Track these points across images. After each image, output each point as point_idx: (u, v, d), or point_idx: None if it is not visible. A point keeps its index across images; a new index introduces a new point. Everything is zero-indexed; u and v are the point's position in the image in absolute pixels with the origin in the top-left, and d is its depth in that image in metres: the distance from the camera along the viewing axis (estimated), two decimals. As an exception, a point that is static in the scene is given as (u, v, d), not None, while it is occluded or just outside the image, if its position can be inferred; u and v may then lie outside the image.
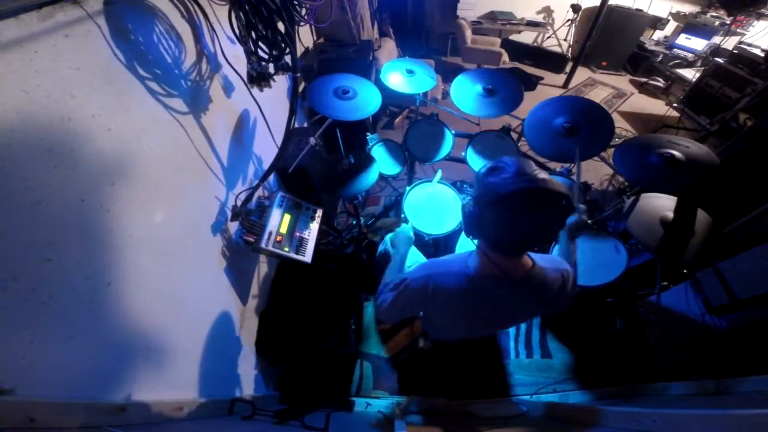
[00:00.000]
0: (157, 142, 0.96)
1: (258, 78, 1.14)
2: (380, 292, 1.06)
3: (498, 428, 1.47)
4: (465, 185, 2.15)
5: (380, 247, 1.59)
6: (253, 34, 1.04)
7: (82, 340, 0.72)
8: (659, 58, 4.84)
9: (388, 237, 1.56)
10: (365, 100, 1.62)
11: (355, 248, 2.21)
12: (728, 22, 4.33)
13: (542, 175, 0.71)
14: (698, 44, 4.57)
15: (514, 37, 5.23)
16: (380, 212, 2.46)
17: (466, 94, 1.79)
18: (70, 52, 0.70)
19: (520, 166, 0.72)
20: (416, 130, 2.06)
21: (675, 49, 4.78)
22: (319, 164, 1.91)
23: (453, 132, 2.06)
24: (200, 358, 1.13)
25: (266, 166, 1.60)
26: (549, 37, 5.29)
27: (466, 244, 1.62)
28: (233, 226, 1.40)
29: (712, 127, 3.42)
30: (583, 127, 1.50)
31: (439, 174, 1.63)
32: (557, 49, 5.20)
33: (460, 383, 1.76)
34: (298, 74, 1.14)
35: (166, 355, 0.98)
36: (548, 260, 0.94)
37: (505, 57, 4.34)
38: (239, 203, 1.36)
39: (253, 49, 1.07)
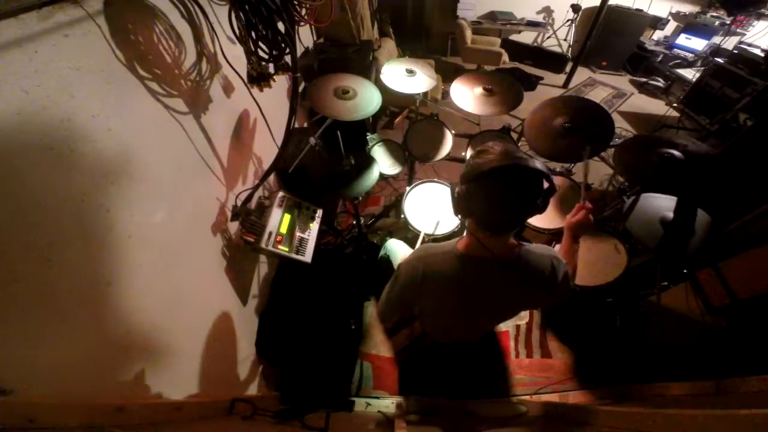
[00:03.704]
0: (157, 142, 0.96)
1: (258, 78, 1.14)
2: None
3: (498, 428, 1.46)
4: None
5: (381, 252, 1.59)
6: (253, 34, 1.03)
7: (82, 340, 0.72)
8: (659, 58, 4.84)
9: (388, 242, 1.56)
10: (365, 100, 1.62)
11: (355, 248, 2.21)
12: (728, 22, 4.33)
13: (524, 155, 0.77)
14: (698, 44, 4.57)
15: (514, 37, 5.23)
16: (380, 212, 2.46)
17: (466, 93, 1.79)
18: (70, 52, 0.70)
19: (504, 148, 0.78)
20: (416, 130, 2.06)
21: (675, 49, 4.78)
22: (319, 164, 1.91)
23: (453, 132, 2.06)
24: (200, 358, 1.13)
25: (266, 166, 1.60)
26: (549, 37, 5.29)
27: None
28: (233, 226, 1.40)
29: (712, 127, 3.42)
30: (583, 127, 1.50)
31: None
32: (557, 49, 5.19)
33: (460, 383, 1.76)
34: (298, 74, 1.14)
35: (166, 355, 0.98)
36: (537, 246, 0.97)
37: (505, 57, 4.34)
38: (239, 203, 1.36)
39: (253, 49, 1.07)
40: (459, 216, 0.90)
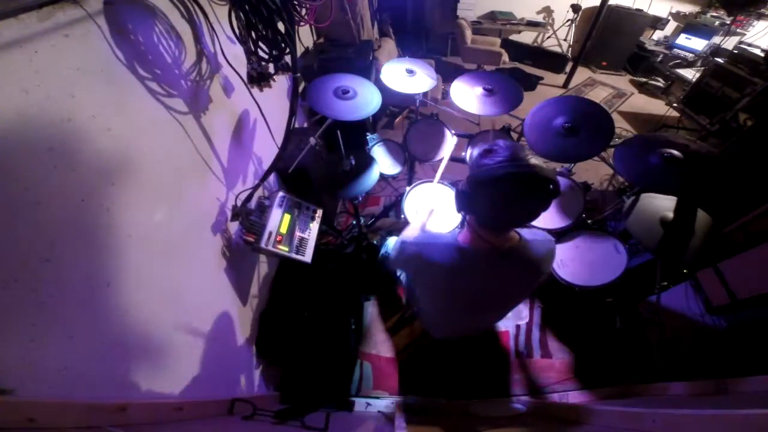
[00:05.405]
0: (157, 142, 0.96)
1: (258, 78, 1.14)
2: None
3: (498, 428, 1.46)
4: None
5: (382, 250, 1.59)
6: (253, 34, 1.03)
7: (82, 340, 0.72)
8: (659, 58, 4.83)
9: (390, 241, 1.56)
10: (365, 100, 1.62)
11: (355, 248, 2.21)
12: (728, 22, 4.32)
13: (534, 160, 0.74)
14: (698, 44, 4.57)
15: (514, 37, 5.23)
16: (380, 212, 2.46)
17: (466, 93, 1.79)
18: (70, 52, 0.70)
19: (513, 151, 0.75)
20: (416, 130, 2.06)
21: (675, 49, 4.78)
22: (319, 164, 1.91)
23: (453, 132, 2.06)
24: (200, 358, 1.13)
25: (266, 166, 1.60)
26: (549, 37, 5.29)
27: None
28: (233, 226, 1.40)
29: (712, 127, 3.42)
30: (583, 127, 1.50)
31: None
32: (557, 49, 5.19)
33: (460, 383, 1.76)
34: (298, 74, 1.14)
35: (166, 354, 0.98)
36: (534, 233, 0.98)
37: (505, 57, 4.34)
38: (239, 203, 1.36)
39: (253, 49, 1.07)
40: (462, 213, 0.90)
